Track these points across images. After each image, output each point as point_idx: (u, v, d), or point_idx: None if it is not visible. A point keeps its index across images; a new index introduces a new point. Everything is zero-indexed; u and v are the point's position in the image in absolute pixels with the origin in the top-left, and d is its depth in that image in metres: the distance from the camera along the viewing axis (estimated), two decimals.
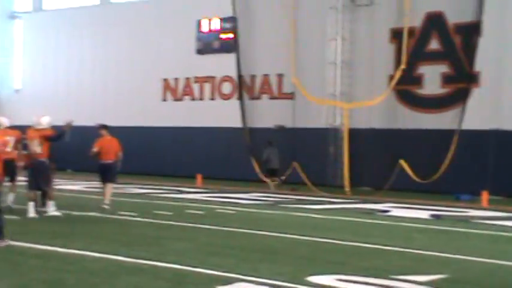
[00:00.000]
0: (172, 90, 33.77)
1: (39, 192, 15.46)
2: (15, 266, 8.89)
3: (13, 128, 16.63)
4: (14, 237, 11.23)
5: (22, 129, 16.34)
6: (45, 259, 9.44)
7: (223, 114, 31.71)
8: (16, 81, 40.81)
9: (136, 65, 34.83)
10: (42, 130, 15.47)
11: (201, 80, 32.86)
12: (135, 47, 34.96)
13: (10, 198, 15.78)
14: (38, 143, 14.97)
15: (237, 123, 30.75)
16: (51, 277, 8.20)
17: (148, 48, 34.42)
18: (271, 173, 26.73)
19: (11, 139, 15.58)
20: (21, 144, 15.81)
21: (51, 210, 15.13)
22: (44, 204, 15.42)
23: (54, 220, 14.28)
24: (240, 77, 31.09)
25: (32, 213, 14.68)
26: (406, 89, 27.10)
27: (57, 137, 15.50)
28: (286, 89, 30.10)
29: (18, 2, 40.82)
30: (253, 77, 31.14)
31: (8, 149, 15.03)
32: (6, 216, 13.55)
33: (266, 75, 30.79)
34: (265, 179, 27.10)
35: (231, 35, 31.48)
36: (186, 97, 33.40)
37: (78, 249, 10.25)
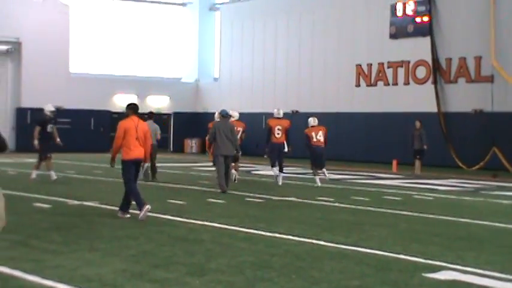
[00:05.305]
0: (366, 76, 33.64)
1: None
2: (225, 248, 9.30)
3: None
4: (220, 220, 11.80)
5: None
6: (251, 242, 9.79)
7: (418, 99, 31.17)
8: (215, 70, 42.59)
9: (329, 51, 35.07)
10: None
11: (395, 65, 32.47)
12: (328, 33, 35.19)
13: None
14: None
15: (432, 108, 30.11)
16: (259, 260, 8.50)
17: (341, 34, 34.53)
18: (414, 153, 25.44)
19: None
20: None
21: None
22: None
23: (256, 205, 14.76)
24: (435, 60, 30.36)
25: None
26: None
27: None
28: (485, 72, 29.01)
29: None
30: (449, 60, 30.31)
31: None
32: (214, 200, 14.27)
33: (463, 58, 29.84)
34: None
35: (426, 18, 30.84)
36: (380, 82, 33.15)
37: (281, 233, 10.53)
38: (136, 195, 12.04)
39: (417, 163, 25.07)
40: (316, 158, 19.74)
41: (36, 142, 18.97)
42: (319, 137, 19.52)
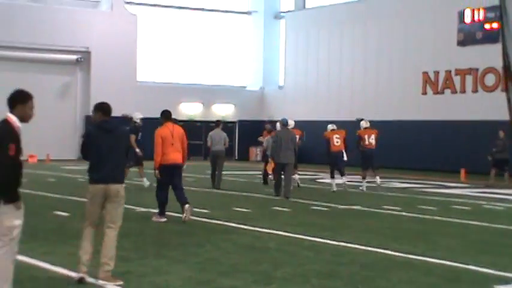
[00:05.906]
0: (432, 84, 33.17)
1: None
2: (291, 256, 9.27)
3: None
4: (285, 228, 11.76)
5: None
6: (317, 251, 9.73)
7: (487, 107, 30.52)
8: (280, 78, 42.64)
9: (395, 59, 34.70)
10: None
11: (463, 72, 31.91)
12: (394, 40, 34.83)
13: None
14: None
15: (500, 116, 29.40)
16: (325, 269, 8.45)
17: (408, 41, 34.13)
18: (497, 163, 24.49)
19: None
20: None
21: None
22: None
23: (321, 213, 14.69)
24: (506, 67, 29.67)
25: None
26: None
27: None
28: None
29: (284, 2, 42.65)
30: None
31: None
32: (279, 208, 14.28)
33: None
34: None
35: (495, 25, 30.22)
36: (447, 90, 32.62)
37: (347, 242, 10.44)
38: (161, 202, 12.72)
39: (493, 173, 24.16)
40: (367, 160, 20.29)
41: (138, 150, 19.18)
42: (371, 140, 20.19)
